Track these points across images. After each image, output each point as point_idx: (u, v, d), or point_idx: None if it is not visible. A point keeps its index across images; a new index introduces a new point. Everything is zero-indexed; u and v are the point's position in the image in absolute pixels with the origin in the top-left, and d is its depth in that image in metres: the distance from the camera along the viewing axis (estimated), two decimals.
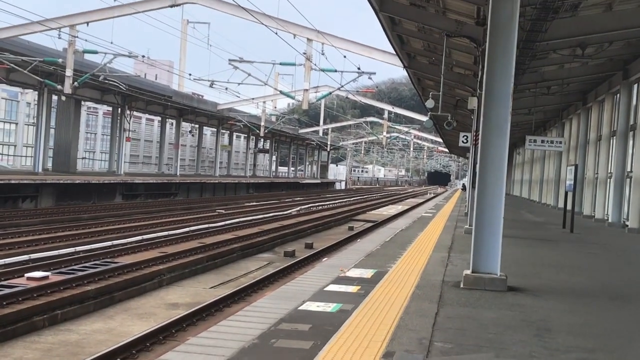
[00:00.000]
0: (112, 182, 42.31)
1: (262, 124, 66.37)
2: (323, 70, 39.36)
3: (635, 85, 26.16)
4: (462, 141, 26.21)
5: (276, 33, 31.73)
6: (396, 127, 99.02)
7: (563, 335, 7.40)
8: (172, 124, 66.22)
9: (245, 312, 9.12)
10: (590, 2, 18.44)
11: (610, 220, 26.93)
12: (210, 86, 46.37)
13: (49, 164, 47.65)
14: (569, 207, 23.39)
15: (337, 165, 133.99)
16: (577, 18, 19.45)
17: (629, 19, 19.53)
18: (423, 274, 11.27)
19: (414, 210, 41.44)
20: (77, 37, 35.63)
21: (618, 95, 27.82)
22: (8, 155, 61.53)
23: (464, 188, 73.17)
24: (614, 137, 28.08)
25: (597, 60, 25.60)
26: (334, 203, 53.59)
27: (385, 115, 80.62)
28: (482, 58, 16.51)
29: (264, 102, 63.80)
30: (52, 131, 47.78)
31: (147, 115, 69.41)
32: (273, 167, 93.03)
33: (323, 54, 35.11)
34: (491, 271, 10.03)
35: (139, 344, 10.61)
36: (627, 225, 24.66)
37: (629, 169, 26.10)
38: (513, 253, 14.56)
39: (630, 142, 26.11)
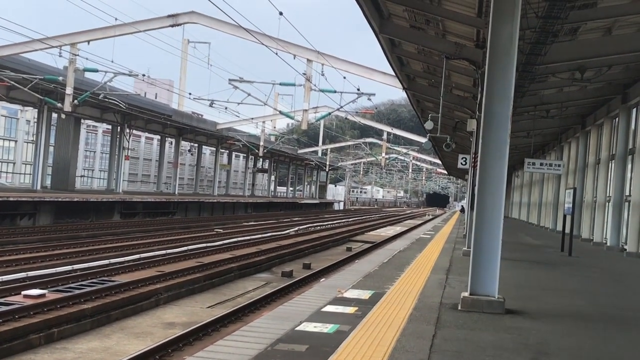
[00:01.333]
0: (110, 200, 42.27)
1: (261, 143, 66.44)
2: (323, 91, 39.43)
3: (634, 110, 26.23)
4: (461, 163, 26.26)
5: (276, 53, 31.83)
6: (395, 148, 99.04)
7: (561, 359, 7.37)
8: (171, 142, 66.25)
9: (242, 332, 9.09)
10: (590, 26, 18.53)
11: (608, 244, 26.91)
12: (210, 105, 46.45)
13: (48, 182, 47.60)
14: (567, 230, 23.38)
15: (335, 186, 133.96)
16: (577, 42, 19.56)
17: (628, 43, 19.62)
18: (421, 295, 11.25)
19: (413, 232, 41.40)
20: (78, 55, 35.72)
21: (617, 119, 27.90)
22: (7, 172, 61.45)
23: (462, 210, 73.13)
24: (613, 161, 28.12)
25: (596, 84, 25.69)
26: (332, 223, 53.57)
27: (384, 137, 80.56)
28: (481, 80, 16.57)
29: (264, 122, 63.86)
30: (51, 149, 47.76)
31: (146, 134, 69.40)
32: (272, 187, 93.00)
33: (323, 74, 35.19)
34: (489, 294, 10.01)
35: None
36: (626, 249, 24.64)
37: (627, 193, 26.12)
38: (511, 276, 14.54)
39: (629, 166, 26.14)
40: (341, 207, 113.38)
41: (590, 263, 20.56)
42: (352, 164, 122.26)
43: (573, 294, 13.17)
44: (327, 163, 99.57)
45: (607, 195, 29.02)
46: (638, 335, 9.33)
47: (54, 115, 44.97)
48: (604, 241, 28.34)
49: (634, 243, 23.99)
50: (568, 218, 23.44)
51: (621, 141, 26.90)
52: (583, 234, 32.31)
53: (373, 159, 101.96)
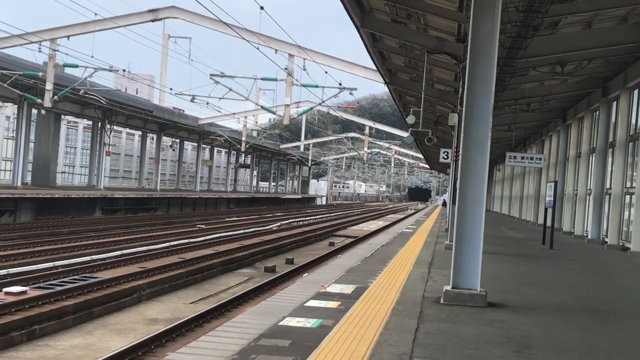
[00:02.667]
0: (91, 196, 42.05)
1: (244, 139, 66.34)
2: (304, 86, 39.41)
3: (614, 103, 26.38)
4: (443, 157, 26.34)
5: (257, 48, 31.79)
6: (377, 142, 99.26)
7: (543, 352, 7.41)
8: (152, 138, 65.97)
9: (225, 328, 9.08)
10: (570, 20, 18.61)
11: (589, 237, 27.07)
12: (192, 101, 46.30)
13: (28, 178, 47.29)
14: (548, 223, 23.50)
15: (318, 181, 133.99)
16: (557, 36, 19.64)
17: (608, 37, 19.74)
18: (403, 289, 11.27)
19: (395, 226, 41.50)
20: (58, 50, 35.51)
21: (597, 112, 28.04)
22: None
23: (444, 204, 73.37)
24: (594, 154, 28.28)
25: (577, 78, 25.83)
26: (314, 218, 53.58)
27: (367, 131, 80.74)
28: (462, 75, 16.62)
29: (245, 117, 63.78)
30: (31, 145, 47.46)
31: (127, 130, 68.99)
32: (254, 182, 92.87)
33: (305, 69, 35.20)
34: (471, 287, 10.04)
35: None
36: (606, 242, 24.79)
37: (608, 186, 26.27)
38: (493, 269, 14.60)
39: (610, 159, 26.30)
40: (324, 202, 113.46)
41: (572, 256, 20.67)
42: (334, 159, 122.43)
43: (555, 287, 13.24)
44: (310, 158, 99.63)
45: (588, 188, 29.18)
46: (619, 327, 9.40)
47: (34, 111, 44.71)
48: (585, 234, 28.51)
49: (615, 236, 24.15)
50: (549, 211, 23.55)
51: (602, 135, 27.04)
52: (564, 227, 32.48)
53: (355, 153, 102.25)
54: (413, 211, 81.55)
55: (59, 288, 14.89)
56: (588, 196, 28.96)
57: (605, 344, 8.20)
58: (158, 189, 59.90)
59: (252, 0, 24.50)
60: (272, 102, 55.96)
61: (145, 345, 11.39)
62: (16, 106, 43.42)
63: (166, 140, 69.36)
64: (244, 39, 31.23)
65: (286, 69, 34.78)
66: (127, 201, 47.55)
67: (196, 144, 71.10)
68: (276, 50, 33.52)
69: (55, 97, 37.00)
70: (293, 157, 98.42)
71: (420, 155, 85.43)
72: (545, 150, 40.56)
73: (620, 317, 10.30)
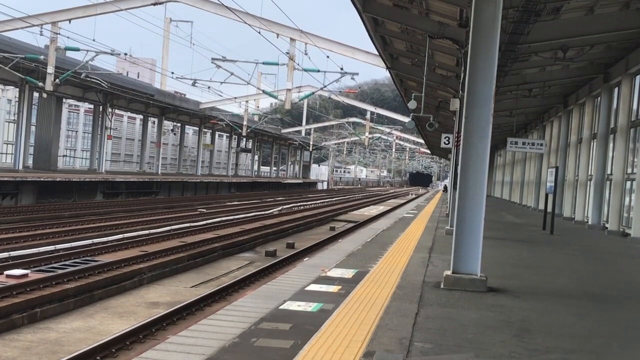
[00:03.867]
0: (93, 180, 42.09)
1: (245, 123, 66.27)
2: (306, 70, 39.38)
3: (616, 89, 26.34)
4: (444, 142, 26.33)
5: (259, 32, 31.73)
6: (378, 127, 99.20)
7: (542, 336, 7.44)
8: (154, 122, 65.93)
9: (226, 311, 9.11)
10: (572, 5, 18.56)
11: (590, 223, 27.09)
12: (193, 85, 46.31)
13: (30, 162, 47.32)
14: (549, 209, 23.51)
15: (319, 166, 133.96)
16: (559, 21, 19.59)
17: (610, 22, 19.68)
18: (404, 274, 11.30)
19: (396, 211, 41.52)
20: (59, 34, 35.46)
21: (599, 98, 28.01)
22: None
23: (445, 189, 73.40)
24: (595, 140, 28.26)
25: (579, 64, 25.77)
26: (315, 203, 53.61)
27: (368, 116, 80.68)
28: (464, 60, 16.58)
29: (247, 102, 63.69)
30: (33, 128, 47.47)
31: (129, 114, 68.98)
32: (255, 167, 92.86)
33: (306, 54, 35.15)
34: (471, 272, 10.07)
35: (119, 343, 10.57)
36: (607, 228, 24.81)
37: (609, 172, 26.27)
38: (493, 254, 14.63)
39: (611, 145, 26.28)
40: (325, 187, 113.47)
41: (572, 241, 20.70)
42: (335, 144, 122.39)
43: (555, 272, 13.27)
44: (311, 143, 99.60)
45: (589, 174, 29.18)
46: (618, 312, 9.43)
47: (36, 94, 44.68)
48: (586, 220, 28.53)
49: (615, 222, 24.18)
50: (550, 197, 23.56)
51: (603, 120, 27.01)
52: (565, 212, 32.51)
53: (356, 138, 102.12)
54: (414, 196, 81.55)
55: (60, 271, 14.94)
56: (589, 182, 28.97)
57: (604, 329, 8.23)
58: (159, 173, 59.94)
59: None
60: (274, 87, 55.85)
61: (146, 328, 11.44)
62: (18, 89, 43.38)
63: (167, 125, 69.27)
64: (245, 23, 31.17)
65: (288, 53, 34.72)
66: (128, 185, 47.60)
67: (197, 128, 71.07)
68: (278, 35, 33.45)
69: (57, 80, 36.98)
70: (294, 142, 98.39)
71: (422, 141, 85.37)
72: (546, 135, 40.52)
73: (619, 302, 10.33)
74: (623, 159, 24.29)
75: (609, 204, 25.29)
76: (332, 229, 33.07)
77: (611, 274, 14.02)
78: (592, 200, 27.15)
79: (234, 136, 79.83)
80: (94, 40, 35.42)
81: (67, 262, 16.55)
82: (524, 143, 27.08)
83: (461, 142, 10.33)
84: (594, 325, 8.36)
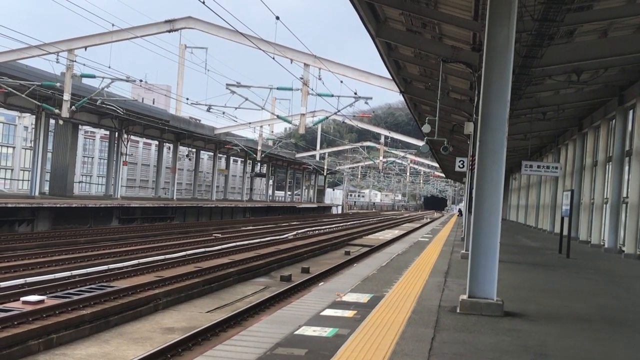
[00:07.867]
0: (108, 206, 42.26)
1: (259, 148, 66.46)
2: (320, 95, 39.50)
3: (631, 111, 26.26)
4: (459, 166, 26.27)
5: (273, 58, 31.88)
6: (393, 151, 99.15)
7: None
8: (169, 147, 66.23)
9: (241, 337, 9.10)
10: (586, 29, 18.58)
11: (606, 246, 26.92)
12: (208, 110, 46.41)
13: (46, 188, 47.57)
14: (565, 232, 23.39)
15: (333, 190, 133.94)
16: (573, 44, 19.59)
17: (624, 46, 19.66)
18: (419, 298, 11.26)
19: (411, 235, 41.41)
20: (75, 61, 35.73)
21: (614, 121, 27.92)
22: (5, 178, 61.33)
23: (460, 213, 73.15)
24: (610, 163, 28.15)
25: (593, 86, 25.74)
26: (330, 227, 53.56)
27: (382, 140, 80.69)
28: (478, 83, 16.62)
29: (261, 127, 63.89)
30: (49, 155, 47.76)
31: (144, 139, 69.35)
32: (270, 192, 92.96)
33: (320, 78, 35.29)
34: (488, 296, 10.02)
35: None
36: (624, 251, 24.65)
37: (624, 195, 26.14)
38: (509, 278, 14.56)
39: (626, 168, 26.16)
40: (339, 211, 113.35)
41: (589, 265, 20.57)
42: (349, 168, 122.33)
43: (572, 296, 13.18)
44: (325, 167, 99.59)
45: (605, 197, 29.04)
46: (636, 336, 9.35)
47: (52, 121, 45.01)
48: (602, 243, 28.36)
49: (632, 245, 24.02)
50: (566, 220, 23.44)
51: (618, 143, 26.92)
52: (581, 236, 32.33)
53: (371, 162, 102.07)
54: (429, 220, 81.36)
55: (76, 297, 14.97)
56: (605, 205, 28.81)
57: (621, 352, 8.17)
58: (174, 198, 60.09)
59: (267, 10, 24.60)
60: (288, 112, 56.06)
61: (161, 354, 11.43)
62: (34, 116, 43.70)
63: (183, 150, 69.57)
64: (259, 48, 31.34)
65: (301, 78, 34.85)
66: (143, 210, 47.74)
67: (212, 154, 71.29)
68: (292, 60, 33.60)
69: (73, 107, 37.22)
70: (309, 166, 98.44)
71: (436, 164, 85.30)
72: (561, 158, 40.40)
73: (636, 326, 10.24)
74: (639, 182, 24.16)
75: (625, 227, 25.13)
76: (347, 253, 33.01)
77: (628, 298, 13.91)
78: (608, 223, 27.00)
79: (248, 161, 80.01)
80: (109, 67, 35.61)
81: (83, 288, 16.59)
82: (538, 166, 26.97)
83: (476, 165, 10.32)
84: (611, 349, 8.29)
